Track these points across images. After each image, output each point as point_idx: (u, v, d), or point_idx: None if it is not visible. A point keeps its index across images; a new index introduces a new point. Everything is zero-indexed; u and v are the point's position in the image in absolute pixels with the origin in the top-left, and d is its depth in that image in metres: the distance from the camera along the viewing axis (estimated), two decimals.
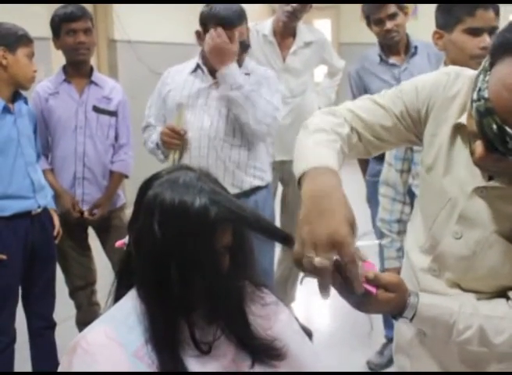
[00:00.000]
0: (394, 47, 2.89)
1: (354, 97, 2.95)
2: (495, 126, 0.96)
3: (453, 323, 1.16)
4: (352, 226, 0.97)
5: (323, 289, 0.98)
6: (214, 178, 1.18)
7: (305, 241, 0.96)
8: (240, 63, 2.36)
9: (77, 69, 2.72)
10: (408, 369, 1.42)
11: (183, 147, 2.36)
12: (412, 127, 1.27)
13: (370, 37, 2.99)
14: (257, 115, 2.30)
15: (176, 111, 2.38)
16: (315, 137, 1.18)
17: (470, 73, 1.22)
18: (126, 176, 2.89)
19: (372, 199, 2.85)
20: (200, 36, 2.37)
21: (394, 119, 1.26)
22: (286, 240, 1.13)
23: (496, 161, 1.01)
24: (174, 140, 2.33)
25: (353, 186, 2.37)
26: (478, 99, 0.99)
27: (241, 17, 2.31)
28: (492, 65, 0.99)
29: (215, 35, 2.23)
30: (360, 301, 1.08)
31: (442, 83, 1.23)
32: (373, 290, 1.09)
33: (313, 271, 0.96)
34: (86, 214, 2.76)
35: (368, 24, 2.89)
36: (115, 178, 2.83)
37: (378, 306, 1.11)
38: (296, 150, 1.19)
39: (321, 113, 1.30)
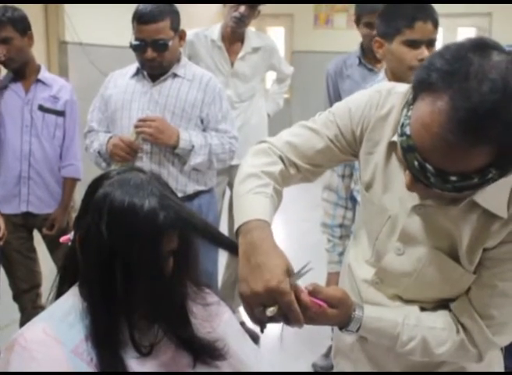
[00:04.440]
0: None
1: (329, 95, 3.02)
2: (416, 163, 0.96)
3: (397, 335, 1.19)
4: (286, 271, 1.04)
5: (292, 323, 1.06)
6: (164, 182, 1.18)
7: (249, 299, 1.04)
8: (162, 64, 2.33)
9: (19, 72, 2.67)
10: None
11: (130, 162, 2.31)
12: (348, 148, 1.28)
13: (322, 45, 3.03)
14: (220, 158, 2.45)
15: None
16: (246, 185, 1.21)
17: (402, 88, 1.21)
18: (79, 180, 2.83)
19: None
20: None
21: (328, 143, 1.26)
22: (233, 248, 1.15)
23: (423, 189, 1.02)
24: (127, 155, 2.28)
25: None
26: (401, 135, 0.99)
27: (160, 15, 2.24)
28: (414, 99, 0.98)
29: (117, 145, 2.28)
30: (304, 315, 1.09)
31: (374, 102, 1.23)
32: (321, 303, 1.11)
33: (270, 320, 1.05)
34: (44, 231, 2.71)
35: (357, 24, 2.88)
36: (68, 184, 2.78)
37: (322, 321, 1.13)
38: (233, 198, 1.24)
39: (253, 153, 1.30)
